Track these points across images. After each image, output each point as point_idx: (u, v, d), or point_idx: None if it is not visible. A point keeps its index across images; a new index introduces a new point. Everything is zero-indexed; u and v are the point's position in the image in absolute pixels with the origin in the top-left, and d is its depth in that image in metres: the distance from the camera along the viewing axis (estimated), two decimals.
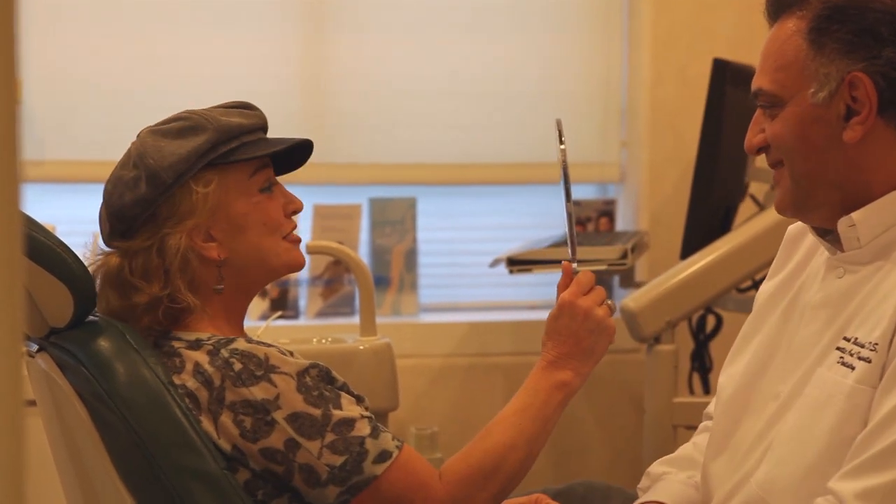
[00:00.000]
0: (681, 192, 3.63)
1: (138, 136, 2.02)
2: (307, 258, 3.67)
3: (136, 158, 1.98)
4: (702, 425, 2.08)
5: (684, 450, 2.04)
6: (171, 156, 1.95)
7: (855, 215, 1.72)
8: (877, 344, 1.65)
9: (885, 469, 1.60)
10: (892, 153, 1.72)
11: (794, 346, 1.80)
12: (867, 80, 1.68)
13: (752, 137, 1.80)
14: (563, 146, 2.07)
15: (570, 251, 2.08)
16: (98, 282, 1.99)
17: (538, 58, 3.92)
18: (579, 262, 2.08)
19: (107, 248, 2.02)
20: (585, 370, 2.05)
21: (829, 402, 1.69)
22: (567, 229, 2.09)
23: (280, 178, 2.08)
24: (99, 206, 2.03)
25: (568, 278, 2.06)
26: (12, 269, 0.76)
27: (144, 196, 1.95)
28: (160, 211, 1.96)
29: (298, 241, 2.07)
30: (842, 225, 1.74)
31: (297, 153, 2.08)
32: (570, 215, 2.08)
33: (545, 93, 3.93)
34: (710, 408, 2.08)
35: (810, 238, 1.87)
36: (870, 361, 1.65)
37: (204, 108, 2.03)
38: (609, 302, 2.06)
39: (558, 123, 2.10)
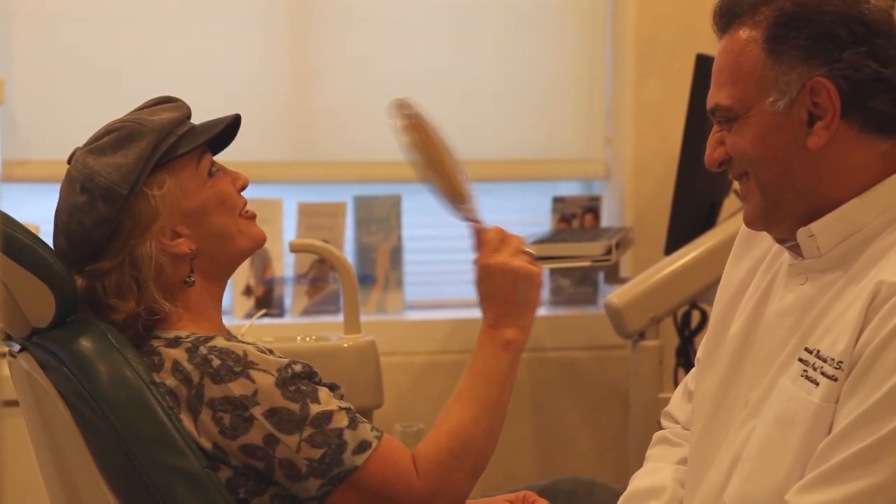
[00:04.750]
0: (665, 189, 3.64)
1: (73, 159, 2.01)
2: (292, 256, 3.69)
3: (84, 182, 1.97)
4: (659, 434, 2.03)
5: (644, 479, 1.97)
6: (120, 168, 1.95)
7: (813, 226, 1.71)
8: (841, 362, 1.63)
9: (837, 483, 1.59)
10: (856, 154, 1.70)
11: (761, 353, 1.78)
12: (829, 84, 1.66)
13: (712, 152, 1.77)
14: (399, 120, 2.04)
15: (465, 213, 2.02)
16: None
17: (522, 56, 3.92)
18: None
19: None
20: (526, 322, 2.02)
21: (795, 418, 1.67)
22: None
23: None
24: (52, 241, 2.00)
25: (478, 239, 2.03)
26: None
27: (104, 215, 1.95)
28: (123, 225, 1.96)
29: (254, 216, 2.07)
30: (801, 235, 1.72)
31: (227, 131, 2.08)
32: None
33: (529, 91, 3.93)
34: (672, 408, 2.06)
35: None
36: (835, 380, 1.64)
37: (125, 113, 2.02)
38: (526, 248, 2.02)
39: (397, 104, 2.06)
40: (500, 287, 2.00)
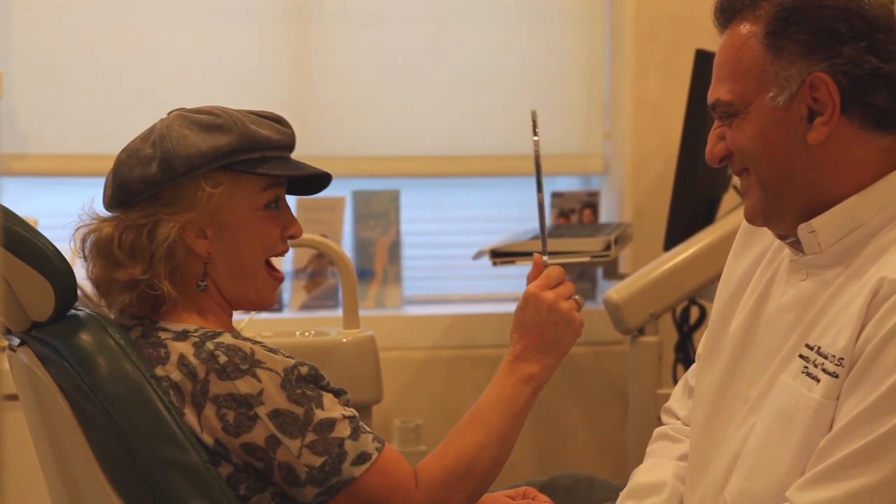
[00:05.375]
0: (664, 184, 3.64)
1: (169, 114, 2.02)
2: (291, 250, 3.69)
3: (157, 138, 1.97)
4: (659, 430, 2.03)
5: (644, 475, 1.96)
6: (190, 147, 1.94)
7: (814, 222, 1.70)
8: (842, 359, 1.63)
9: (839, 480, 1.59)
10: (856, 150, 1.70)
11: (761, 349, 1.78)
12: (829, 79, 1.66)
13: (713, 148, 1.77)
14: (536, 137, 2.06)
15: (541, 244, 2.08)
16: (88, 245, 1.99)
17: (522, 50, 3.92)
18: (550, 254, 2.07)
19: (103, 213, 2.01)
20: (550, 363, 2.03)
21: (796, 415, 1.67)
22: (539, 221, 2.08)
23: None
24: (107, 175, 2.01)
25: (537, 270, 2.05)
26: None
27: (153, 177, 1.95)
28: (163, 195, 1.96)
29: (280, 279, 2.06)
30: (802, 231, 1.72)
31: (314, 180, 2.07)
32: (541, 207, 2.07)
33: (529, 85, 3.93)
34: (672, 404, 2.06)
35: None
36: (836, 376, 1.64)
37: (238, 109, 2.01)
38: (577, 297, 2.05)
39: (533, 115, 2.09)
40: (540, 322, 2.02)
